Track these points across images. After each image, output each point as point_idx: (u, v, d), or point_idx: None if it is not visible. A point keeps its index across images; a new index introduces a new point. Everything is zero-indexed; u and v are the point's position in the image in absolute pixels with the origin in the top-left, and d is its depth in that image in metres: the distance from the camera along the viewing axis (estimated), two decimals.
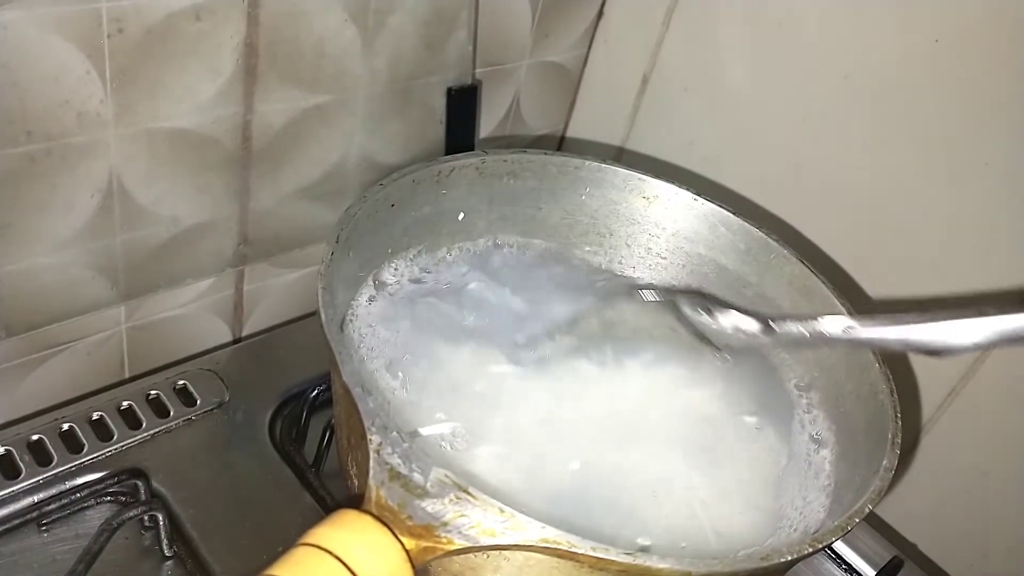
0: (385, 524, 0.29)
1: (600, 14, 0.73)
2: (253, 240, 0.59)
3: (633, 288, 0.52)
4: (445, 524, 0.30)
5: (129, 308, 0.55)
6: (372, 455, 0.32)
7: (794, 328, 0.42)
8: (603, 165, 0.55)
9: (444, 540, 0.30)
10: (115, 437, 0.51)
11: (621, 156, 0.76)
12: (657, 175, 0.55)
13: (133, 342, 0.57)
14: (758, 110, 0.66)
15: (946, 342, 0.36)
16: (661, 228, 0.56)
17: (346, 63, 0.55)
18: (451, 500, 0.31)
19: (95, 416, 0.52)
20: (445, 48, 0.62)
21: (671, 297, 0.46)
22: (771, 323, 0.43)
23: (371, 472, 0.31)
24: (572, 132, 0.80)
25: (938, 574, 0.62)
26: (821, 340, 0.41)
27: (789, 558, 0.33)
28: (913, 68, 0.56)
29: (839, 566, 0.56)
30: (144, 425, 0.52)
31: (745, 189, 0.68)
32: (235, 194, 0.55)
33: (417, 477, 0.32)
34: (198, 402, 0.54)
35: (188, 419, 0.53)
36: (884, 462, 0.39)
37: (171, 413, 0.53)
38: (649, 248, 0.57)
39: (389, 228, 0.48)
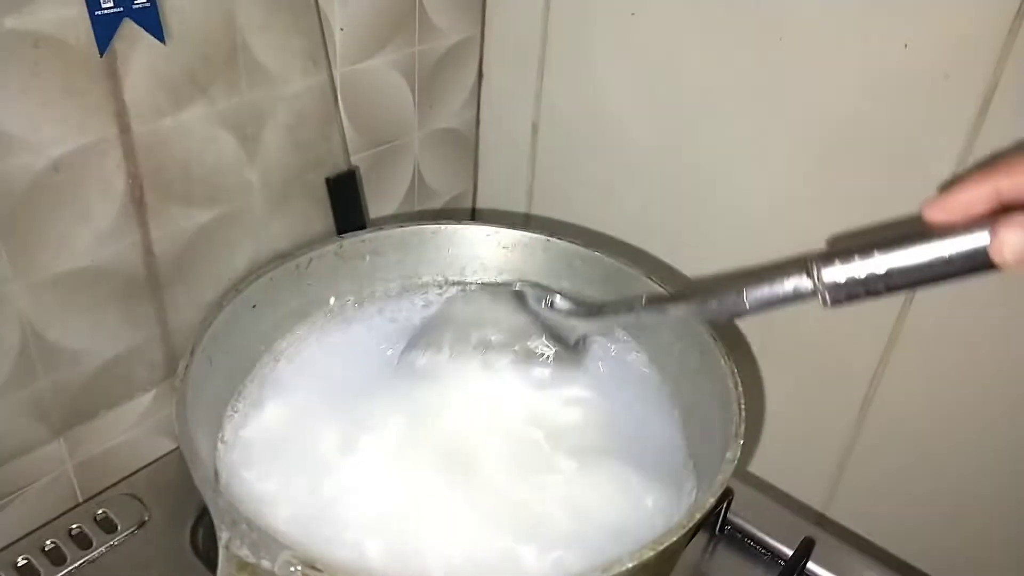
0: None
1: (480, 74, 0.77)
2: (180, 354, 0.60)
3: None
4: None
5: (70, 445, 0.57)
6: (222, 551, 0.34)
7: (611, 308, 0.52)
8: (458, 226, 0.58)
9: None
10: None
11: (529, 220, 0.79)
12: (512, 226, 0.59)
13: (83, 477, 0.59)
14: (639, 132, 0.68)
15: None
16: (526, 273, 0.59)
17: (229, 175, 0.58)
18: None
19: (21, 562, 0.54)
20: (316, 143, 0.65)
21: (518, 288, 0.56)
22: (598, 307, 0.53)
23: (219, 568, 0.34)
24: (482, 191, 0.83)
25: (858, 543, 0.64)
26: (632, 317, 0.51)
27: (630, 565, 0.35)
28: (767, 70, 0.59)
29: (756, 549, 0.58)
30: (68, 560, 0.54)
31: (639, 223, 0.71)
32: (153, 316, 0.58)
33: (265, 564, 0.34)
34: (118, 527, 0.56)
35: (111, 545, 0.55)
36: (728, 454, 0.41)
37: (93, 543, 0.55)
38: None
39: (256, 327, 0.51)
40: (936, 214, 0.35)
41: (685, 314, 0.46)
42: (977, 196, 0.34)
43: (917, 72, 0.53)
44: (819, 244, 0.60)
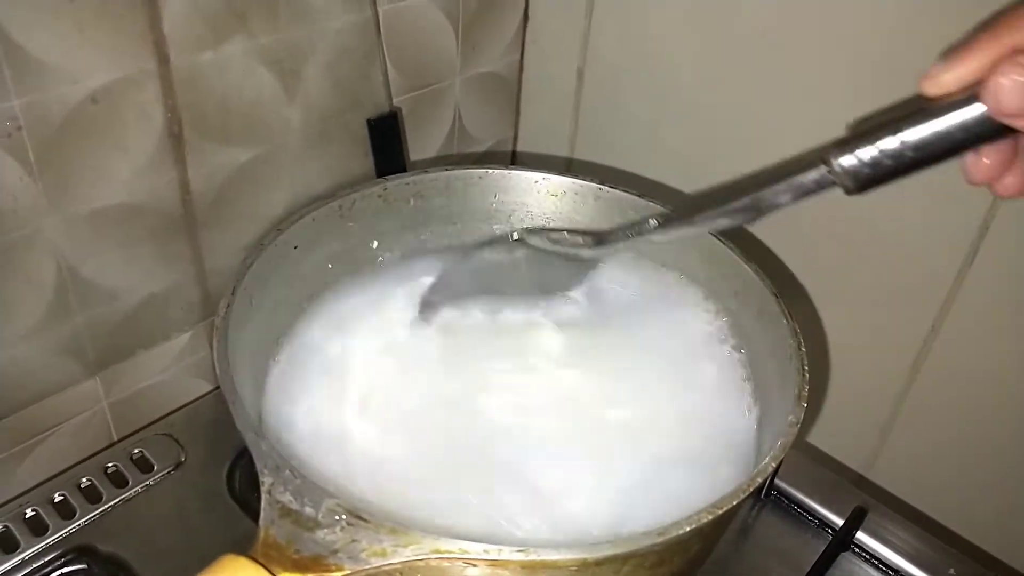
0: (261, 564, 0.30)
1: (526, 16, 0.74)
2: (216, 296, 0.60)
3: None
4: (335, 552, 0.31)
5: (106, 384, 0.57)
6: (264, 496, 0.33)
7: (619, 234, 0.48)
8: (506, 171, 0.56)
9: (332, 567, 0.31)
10: (77, 514, 0.52)
11: (571, 165, 0.77)
12: (562, 172, 0.56)
13: (118, 416, 0.59)
14: (690, 76, 0.65)
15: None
16: (575, 222, 0.57)
17: (268, 113, 0.57)
18: (342, 527, 0.32)
19: (57, 498, 0.53)
20: (357, 83, 0.63)
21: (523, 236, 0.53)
22: (600, 236, 0.50)
23: (262, 513, 0.32)
24: (523, 137, 0.80)
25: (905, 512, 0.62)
26: (642, 241, 0.46)
27: (687, 529, 0.34)
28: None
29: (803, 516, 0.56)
30: (103, 499, 0.53)
31: (687, 167, 0.68)
32: (189, 255, 0.57)
33: (309, 511, 0.33)
34: (155, 467, 0.55)
35: (147, 485, 0.54)
36: (790, 417, 0.39)
37: (129, 482, 0.54)
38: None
39: (297, 269, 0.50)
40: (930, 87, 0.32)
41: (704, 229, 0.44)
42: (978, 66, 0.30)
43: None
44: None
